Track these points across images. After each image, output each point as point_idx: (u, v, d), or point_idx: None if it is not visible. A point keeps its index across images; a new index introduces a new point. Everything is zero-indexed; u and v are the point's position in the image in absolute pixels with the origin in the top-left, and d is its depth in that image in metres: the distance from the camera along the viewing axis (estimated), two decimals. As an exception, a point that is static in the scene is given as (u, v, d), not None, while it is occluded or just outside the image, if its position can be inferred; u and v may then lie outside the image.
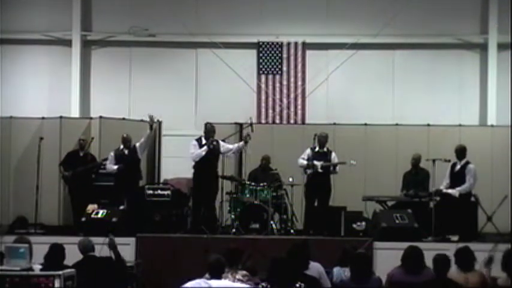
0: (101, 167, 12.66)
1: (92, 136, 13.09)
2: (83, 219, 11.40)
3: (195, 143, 11.81)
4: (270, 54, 15.82)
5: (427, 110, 15.34)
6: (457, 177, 11.68)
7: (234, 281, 6.91)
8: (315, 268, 7.47)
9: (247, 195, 11.75)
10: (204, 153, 11.59)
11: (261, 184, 11.80)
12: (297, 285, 6.41)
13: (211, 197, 11.74)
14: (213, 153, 11.73)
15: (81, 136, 13.10)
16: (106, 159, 12.35)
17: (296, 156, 12.25)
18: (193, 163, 11.82)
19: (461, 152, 11.78)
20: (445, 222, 11.24)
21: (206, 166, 11.67)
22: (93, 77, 16.14)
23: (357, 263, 7.19)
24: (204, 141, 11.72)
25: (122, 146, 12.28)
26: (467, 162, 11.70)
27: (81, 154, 12.63)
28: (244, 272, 7.25)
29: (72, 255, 8.35)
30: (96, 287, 8.12)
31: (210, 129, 11.82)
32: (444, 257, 7.10)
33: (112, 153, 12.23)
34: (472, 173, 11.62)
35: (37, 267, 7.78)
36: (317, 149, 12.11)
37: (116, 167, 12.06)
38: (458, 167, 11.73)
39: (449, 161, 11.76)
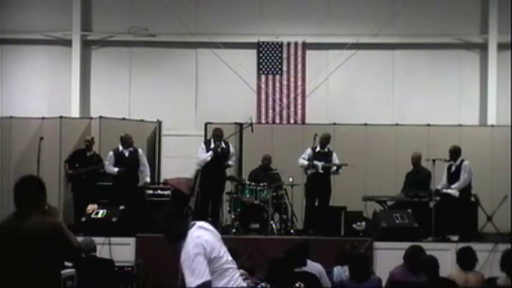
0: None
1: (92, 136, 13.07)
2: (83, 219, 11.39)
3: (203, 146, 11.86)
4: (270, 54, 15.81)
5: (427, 110, 15.34)
6: (454, 178, 11.69)
7: None
8: (315, 268, 7.48)
9: (247, 195, 11.74)
10: (209, 158, 11.65)
11: (261, 184, 11.80)
12: (297, 285, 6.42)
13: (218, 194, 11.78)
14: (222, 156, 11.74)
15: (87, 137, 12.96)
16: None
17: (296, 156, 12.26)
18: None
19: (455, 152, 11.79)
20: (445, 222, 11.23)
21: (214, 168, 11.70)
22: (93, 77, 16.13)
23: (356, 263, 7.20)
24: (212, 145, 11.74)
25: (120, 147, 12.24)
26: (462, 160, 11.73)
27: (88, 154, 12.60)
28: (241, 271, 7.25)
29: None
30: (96, 287, 8.13)
31: (216, 134, 11.84)
32: (431, 258, 7.13)
33: (111, 154, 12.18)
34: (467, 168, 11.65)
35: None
36: (318, 149, 12.12)
37: (116, 169, 12.03)
38: (454, 167, 11.75)
39: (449, 160, 11.77)
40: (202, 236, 5.30)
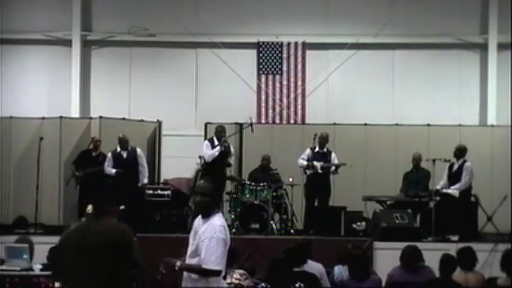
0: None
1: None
2: (83, 219, 11.37)
3: (208, 143, 11.89)
4: (270, 54, 15.81)
5: (427, 110, 15.34)
6: (455, 177, 11.69)
7: (232, 280, 6.93)
8: (316, 268, 7.48)
9: (247, 195, 11.75)
10: (217, 153, 11.67)
11: (261, 184, 11.80)
12: (297, 285, 6.41)
13: (220, 195, 11.81)
14: (225, 154, 11.77)
15: (94, 137, 12.91)
16: None
17: (296, 156, 12.26)
18: (197, 161, 11.92)
19: (460, 151, 11.80)
20: (445, 222, 11.24)
21: (218, 165, 11.72)
22: (93, 77, 16.13)
23: (355, 263, 7.20)
24: (216, 142, 11.77)
25: (118, 148, 12.27)
26: (464, 161, 11.73)
27: (94, 154, 12.59)
28: (241, 271, 7.26)
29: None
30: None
31: (220, 130, 11.87)
32: (451, 258, 7.10)
33: (109, 155, 12.22)
34: (468, 170, 11.65)
35: (37, 267, 7.78)
36: (317, 149, 12.12)
37: (114, 170, 12.06)
38: (455, 167, 11.75)
39: (449, 160, 11.78)
40: (226, 227, 5.38)
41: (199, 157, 11.98)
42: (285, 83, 15.79)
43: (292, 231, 11.83)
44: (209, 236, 5.23)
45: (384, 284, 7.46)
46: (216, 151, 11.68)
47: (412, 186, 12.18)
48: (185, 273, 5.39)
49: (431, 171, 11.91)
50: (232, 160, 12.23)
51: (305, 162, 12.02)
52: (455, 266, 7.09)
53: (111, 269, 4.48)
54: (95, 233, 4.63)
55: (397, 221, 11.23)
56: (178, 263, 5.36)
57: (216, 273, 5.23)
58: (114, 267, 4.50)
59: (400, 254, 7.50)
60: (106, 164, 12.19)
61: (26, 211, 12.69)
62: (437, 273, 7.14)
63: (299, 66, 15.79)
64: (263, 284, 6.45)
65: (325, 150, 12.19)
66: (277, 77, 15.81)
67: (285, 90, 15.79)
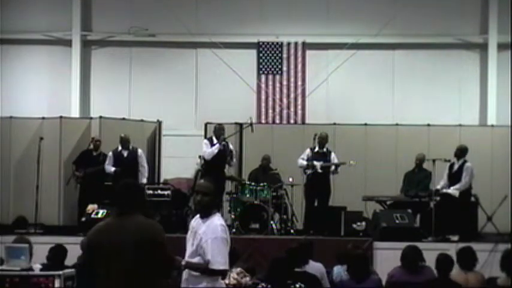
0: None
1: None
2: (83, 219, 11.40)
3: (207, 141, 11.88)
4: (270, 54, 15.81)
5: (427, 110, 15.35)
6: (455, 177, 11.68)
7: (230, 280, 6.92)
8: (317, 268, 7.48)
9: (247, 195, 11.74)
10: (216, 150, 11.63)
11: (261, 184, 11.79)
12: (297, 285, 6.41)
13: (221, 194, 11.79)
14: (224, 153, 11.74)
15: (94, 137, 12.88)
16: None
17: (296, 156, 12.26)
18: (197, 161, 11.91)
19: (461, 151, 11.79)
20: (445, 222, 11.23)
21: (218, 165, 11.70)
22: (93, 77, 16.14)
23: (354, 263, 7.20)
24: (215, 141, 11.76)
25: (120, 147, 12.29)
26: (465, 161, 11.73)
27: (94, 154, 12.58)
28: (238, 270, 7.25)
29: (73, 255, 8.35)
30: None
31: (219, 129, 11.87)
32: (447, 257, 7.10)
33: (110, 154, 12.24)
34: (469, 171, 11.64)
35: (37, 267, 7.78)
36: (316, 149, 12.12)
37: (113, 169, 12.08)
38: (456, 167, 11.74)
39: (449, 160, 11.77)
40: (226, 227, 5.33)
41: (199, 157, 11.97)
42: (285, 83, 15.80)
43: (292, 231, 11.82)
44: (212, 236, 5.19)
45: (384, 284, 7.46)
46: (215, 149, 11.66)
47: (413, 186, 12.17)
48: (185, 274, 5.37)
49: (432, 172, 11.90)
50: (233, 161, 12.17)
51: (305, 162, 12.01)
52: (452, 265, 7.09)
53: (138, 268, 4.42)
54: (118, 232, 4.59)
55: (397, 221, 11.22)
56: (183, 262, 5.34)
57: (222, 273, 5.23)
58: (141, 267, 4.43)
59: (401, 254, 7.49)
60: (107, 162, 12.21)
61: (26, 211, 12.68)
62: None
63: (299, 66, 15.80)
64: (263, 284, 6.45)
65: (324, 150, 12.18)
66: (277, 77, 15.82)
67: (285, 90, 15.80)
